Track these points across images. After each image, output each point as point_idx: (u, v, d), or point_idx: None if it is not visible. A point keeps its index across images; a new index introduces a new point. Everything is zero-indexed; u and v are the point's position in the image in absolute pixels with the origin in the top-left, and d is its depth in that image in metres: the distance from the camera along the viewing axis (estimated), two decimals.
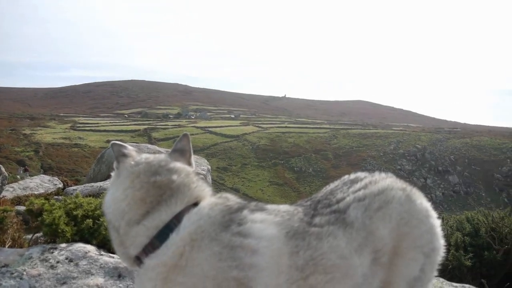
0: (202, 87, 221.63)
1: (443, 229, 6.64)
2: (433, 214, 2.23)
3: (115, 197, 1.80)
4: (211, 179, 13.39)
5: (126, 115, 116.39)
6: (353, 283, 1.84)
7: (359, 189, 2.06)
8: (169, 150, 2.00)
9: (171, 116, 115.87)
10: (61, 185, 10.42)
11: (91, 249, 3.37)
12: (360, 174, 2.25)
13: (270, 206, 1.93)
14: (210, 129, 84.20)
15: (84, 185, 9.48)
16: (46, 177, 10.95)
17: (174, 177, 1.81)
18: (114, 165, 1.91)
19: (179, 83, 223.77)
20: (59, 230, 3.65)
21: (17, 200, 8.52)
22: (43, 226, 3.68)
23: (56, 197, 9.47)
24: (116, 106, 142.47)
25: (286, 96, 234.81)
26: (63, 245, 3.21)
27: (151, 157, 1.91)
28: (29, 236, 5.14)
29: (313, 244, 1.78)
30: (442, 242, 2.25)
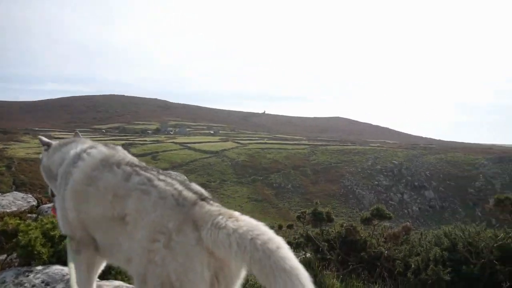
0: (181, 102, 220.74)
1: (421, 244, 6.74)
2: None
3: (48, 160, 2.87)
4: None
5: (104, 130, 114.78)
6: None
7: None
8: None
9: (149, 131, 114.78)
10: (35, 203, 10.10)
11: (68, 271, 3.20)
12: None
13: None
14: (189, 145, 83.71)
15: None
16: (19, 194, 10.60)
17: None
18: (44, 149, 2.99)
19: (159, 98, 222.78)
20: (35, 252, 3.48)
21: None
22: (18, 247, 3.49)
23: (29, 215, 9.20)
24: (93, 121, 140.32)
25: (266, 112, 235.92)
26: (39, 267, 3.07)
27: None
28: (2, 258, 4.98)
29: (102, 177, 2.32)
30: None
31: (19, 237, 3.49)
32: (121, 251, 2.15)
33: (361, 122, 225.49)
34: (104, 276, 2.98)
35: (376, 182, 67.28)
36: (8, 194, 10.75)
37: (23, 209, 9.30)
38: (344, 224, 6.64)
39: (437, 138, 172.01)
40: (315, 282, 5.79)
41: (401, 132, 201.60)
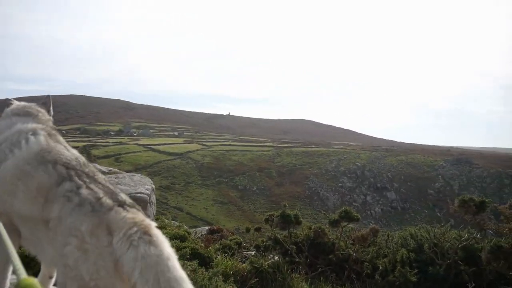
0: (145, 103, 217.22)
1: (388, 246, 6.75)
2: None
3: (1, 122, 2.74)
4: (155, 198, 12.94)
5: (64, 131, 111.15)
6: None
7: None
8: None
9: (112, 133, 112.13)
10: None
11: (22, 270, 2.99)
12: None
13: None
14: (153, 146, 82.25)
15: None
16: None
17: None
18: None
19: (121, 99, 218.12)
20: None
21: None
22: None
23: None
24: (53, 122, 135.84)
25: (230, 114, 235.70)
26: None
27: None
28: None
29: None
30: None
31: None
32: (46, 255, 2.17)
33: (325, 124, 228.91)
34: None
35: (340, 184, 68.33)
36: None
37: None
38: (312, 227, 6.59)
39: (398, 140, 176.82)
40: (284, 285, 5.67)
41: (363, 135, 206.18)
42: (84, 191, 2.06)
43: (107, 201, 2.02)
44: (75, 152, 2.52)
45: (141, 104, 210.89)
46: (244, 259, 6.43)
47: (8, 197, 2.25)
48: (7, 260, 2.37)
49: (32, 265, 3.38)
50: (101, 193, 2.07)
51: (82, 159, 2.45)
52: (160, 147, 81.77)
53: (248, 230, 11.56)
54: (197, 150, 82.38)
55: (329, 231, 6.65)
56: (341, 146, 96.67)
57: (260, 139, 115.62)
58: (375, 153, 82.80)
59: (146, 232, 1.87)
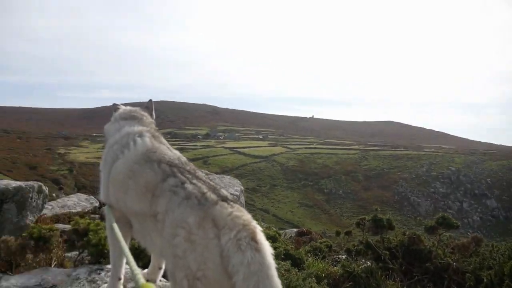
0: (229, 107, 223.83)
1: (493, 257, 6.20)
2: None
3: (110, 122, 3.05)
4: (244, 199, 13.23)
5: None
6: None
7: None
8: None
9: (199, 136, 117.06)
10: (97, 204, 10.53)
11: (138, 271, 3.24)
12: None
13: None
14: (238, 149, 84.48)
15: None
16: (83, 196, 11.08)
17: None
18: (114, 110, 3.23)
19: (207, 103, 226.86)
20: (105, 251, 3.59)
21: (56, 218, 8.63)
22: (89, 246, 3.62)
23: (92, 215, 9.56)
24: None
25: (314, 116, 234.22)
26: (109, 266, 3.12)
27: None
28: (69, 255, 5.13)
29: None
30: None
31: (90, 236, 3.63)
32: (155, 245, 2.33)
33: (414, 126, 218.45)
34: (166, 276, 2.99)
35: (432, 190, 64.63)
36: (72, 195, 11.26)
37: (86, 210, 9.71)
38: (407, 232, 6.30)
39: (497, 143, 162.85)
40: None
41: (457, 137, 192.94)
42: (189, 186, 2.21)
43: (211, 195, 2.14)
44: (176, 152, 2.71)
45: (226, 108, 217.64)
46: (334, 263, 6.33)
47: (121, 194, 2.49)
48: (121, 253, 2.66)
49: (141, 257, 3.63)
50: (205, 188, 2.20)
51: (184, 158, 2.62)
52: (246, 150, 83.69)
53: (338, 233, 11.39)
54: (281, 153, 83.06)
55: (424, 238, 6.31)
56: (433, 149, 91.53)
57: (345, 141, 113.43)
58: (472, 157, 77.06)
59: (253, 238, 1.96)
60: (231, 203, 2.13)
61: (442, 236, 6.45)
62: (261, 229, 2.07)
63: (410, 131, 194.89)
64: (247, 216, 2.08)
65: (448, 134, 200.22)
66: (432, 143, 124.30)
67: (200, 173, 2.45)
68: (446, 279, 5.73)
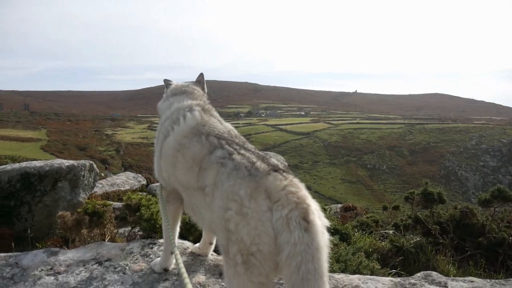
0: (271, 84, 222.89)
1: None
2: None
3: (162, 99, 3.18)
4: None
5: None
6: None
7: None
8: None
9: (242, 114, 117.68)
10: (144, 182, 10.85)
11: (189, 245, 3.32)
12: None
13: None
14: (280, 126, 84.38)
15: None
16: (131, 174, 11.44)
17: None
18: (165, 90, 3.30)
19: (249, 81, 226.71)
20: (158, 225, 3.67)
21: (106, 195, 8.98)
22: (141, 221, 3.70)
23: (140, 193, 9.89)
24: None
25: (357, 91, 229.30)
26: (161, 240, 3.18)
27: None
28: (120, 231, 5.32)
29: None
30: None
31: (142, 211, 3.71)
32: (204, 219, 2.31)
33: (463, 98, 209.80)
34: (217, 250, 3.03)
35: (482, 163, 62.10)
36: (121, 174, 11.63)
37: (135, 188, 10.03)
38: (458, 206, 6.07)
39: None
40: (428, 266, 5.36)
41: (510, 108, 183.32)
42: (237, 157, 2.15)
43: (262, 165, 2.06)
44: (228, 125, 2.70)
45: (268, 86, 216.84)
46: (382, 238, 6.23)
47: (171, 168, 2.50)
48: (173, 227, 2.80)
49: (192, 231, 3.70)
50: (254, 158, 2.13)
51: (235, 131, 2.61)
52: (288, 127, 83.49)
53: (385, 208, 11.16)
54: (324, 129, 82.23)
55: (478, 211, 6.06)
56: (483, 122, 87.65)
57: (390, 116, 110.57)
58: None
59: (305, 218, 1.87)
60: (284, 174, 2.04)
61: (497, 210, 6.19)
62: (317, 207, 1.98)
63: (458, 103, 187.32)
64: (302, 192, 1.98)
65: (500, 105, 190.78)
66: (482, 115, 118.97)
67: (250, 145, 2.41)
68: (501, 254, 5.51)
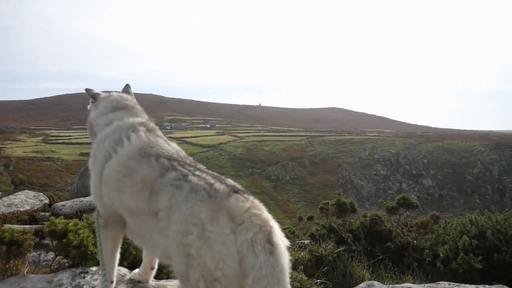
0: (175, 97, 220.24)
1: (447, 233, 6.55)
2: None
3: (96, 113, 2.85)
4: None
5: None
6: None
7: None
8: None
9: None
10: (47, 201, 9.98)
11: (125, 271, 3.08)
12: None
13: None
14: (186, 139, 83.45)
15: (72, 200, 9.10)
16: (31, 193, 10.45)
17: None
18: (91, 100, 3.00)
19: (153, 93, 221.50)
20: (89, 252, 3.34)
21: (3, 218, 8.08)
22: (70, 248, 3.32)
23: (42, 213, 9.06)
24: None
25: (261, 104, 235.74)
26: (94, 268, 2.92)
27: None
28: (49, 258, 4.79)
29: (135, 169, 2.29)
30: None
31: (70, 237, 3.34)
32: (157, 245, 2.15)
33: (357, 112, 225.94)
34: (157, 276, 2.85)
35: (374, 172, 67.28)
36: (20, 193, 10.57)
37: (36, 208, 9.17)
38: (368, 214, 6.53)
39: (433, 126, 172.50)
40: (345, 274, 5.63)
41: (397, 121, 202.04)
42: (193, 178, 2.06)
43: (221, 186, 2.02)
44: (175, 145, 2.57)
45: (173, 98, 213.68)
46: (300, 249, 6.45)
47: (116, 193, 2.31)
48: (113, 255, 2.57)
49: (126, 256, 3.45)
50: (211, 179, 2.07)
51: (183, 152, 2.50)
52: (193, 140, 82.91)
53: (300, 219, 11.62)
54: (229, 141, 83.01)
55: (385, 219, 6.57)
56: (375, 134, 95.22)
57: (292, 128, 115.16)
58: (410, 140, 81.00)
59: (269, 240, 1.87)
60: (245, 195, 2.02)
61: (402, 216, 6.75)
62: (278, 228, 1.99)
63: (353, 117, 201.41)
64: (264, 214, 1.98)
65: (389, 119, 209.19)
66: (374, 128, 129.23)
67: (201, 166, 2.33)
68: (406, 257, 6.02)
